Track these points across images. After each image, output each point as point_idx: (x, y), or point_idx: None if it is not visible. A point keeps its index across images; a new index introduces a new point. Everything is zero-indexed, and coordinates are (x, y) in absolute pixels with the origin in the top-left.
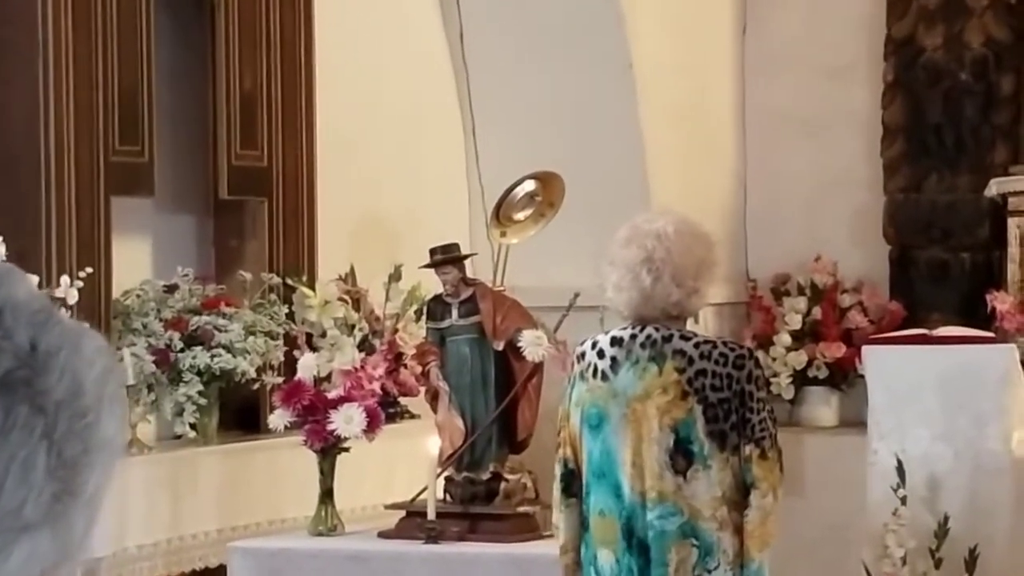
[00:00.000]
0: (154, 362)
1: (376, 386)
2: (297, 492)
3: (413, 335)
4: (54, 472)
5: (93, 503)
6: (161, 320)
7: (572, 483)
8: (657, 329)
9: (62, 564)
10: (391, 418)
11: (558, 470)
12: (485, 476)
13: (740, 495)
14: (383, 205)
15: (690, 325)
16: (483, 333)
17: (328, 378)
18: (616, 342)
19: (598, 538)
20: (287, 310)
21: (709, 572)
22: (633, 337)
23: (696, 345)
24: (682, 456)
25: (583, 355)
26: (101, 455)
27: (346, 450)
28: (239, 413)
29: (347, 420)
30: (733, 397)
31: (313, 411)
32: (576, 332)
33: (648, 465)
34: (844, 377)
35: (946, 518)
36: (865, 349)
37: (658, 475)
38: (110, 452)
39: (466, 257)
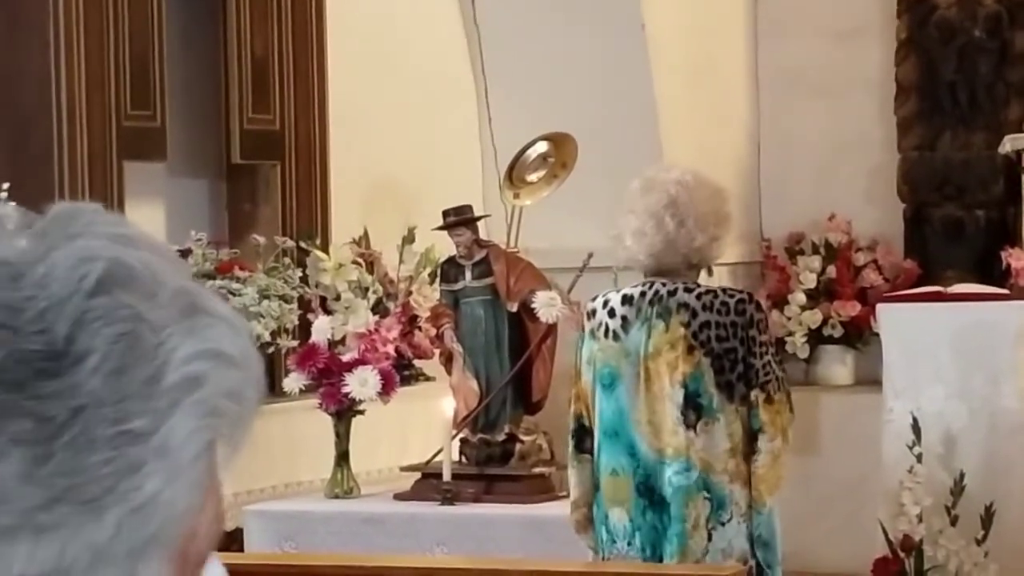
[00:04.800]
0: None
1: (390, 349)
2: (313, 455)
3: (427, 297)
4: (45, 480)
5: (150, 509)
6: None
7: (584, 439)
8: (664, 284)
9: (91, 570)
10: (406, 380)
11: (571, 426)
12: (500, 437)
13: (750, 445)
14: (396, 168)
15: (703, 280)
16: (497, 295)
17: (342, 341)
18: (627, 300)
19: (610, 497)
20: (301, 274)
21: (723, 524)
22: (643, 295)
23: (699, 296)
24: (692, 410)
25: (594, 312)
26: (160, 463)
27: (361, 413)
28: None
29: (362, 383)
30: (739, 345)
31: (328, 374)
32: (590, 293)
33: (663, 422)
34: (859, 335)
35: (962, 475)
36: (880, 307)
37: (672, 431)
38: (172, 460)
39: (479, 219)
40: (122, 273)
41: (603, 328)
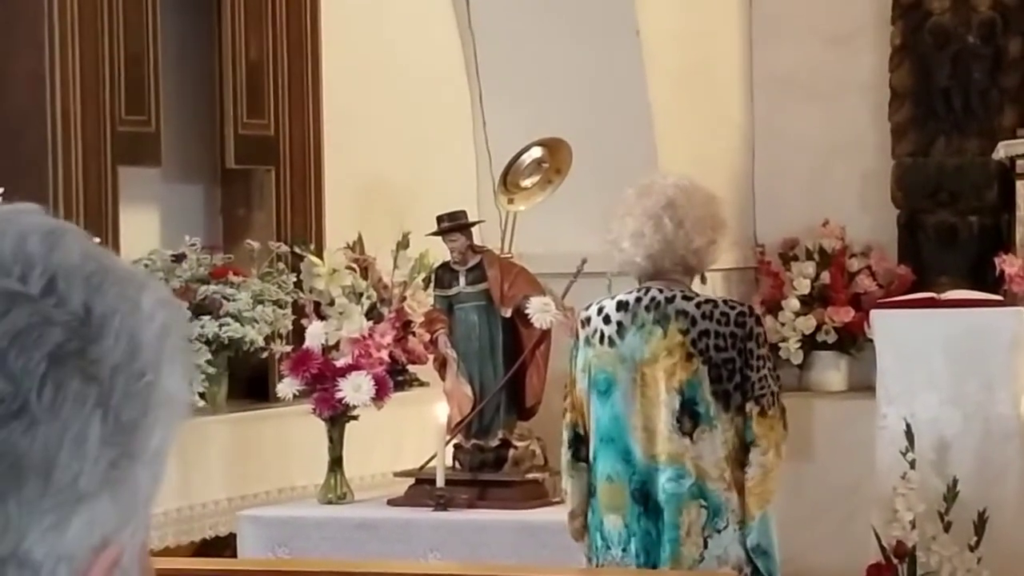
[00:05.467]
0: None
1: (384, 354)
2: (306, 460)
3: (421, 303)
4: (111, 439)
5: (157, 459)
6: (169, 290)
7: (580, 448)
8: (661, 291)
9: (127, 524)
10: (399, 386)
11: (566, 435)
12: (494, 443)
13: (745, 455)
14: (390, 173)
15: (697, 288)
16: (491, 300)
17: (336, 346)
18: (622, 306)
19: (605, 503)
20: (295, 279)
21: (718, 532)
22: (638, 301)
23: (698, 305)
24: (688, 417)
25: (588, 320)
26: (164, 412)
27: (355, 418)
28: (248, 382)
29: (355, 388)
30: (737, 356)
31: (322, 379)
32: (584, 298)
33: (658, 428)
34: (853, 341)
35: (955, 482)
36: (874, 313)
37: (667, 438)
38: (173, 407)
39: (473, 224)
40: (82, 240)
41: (598, 335)
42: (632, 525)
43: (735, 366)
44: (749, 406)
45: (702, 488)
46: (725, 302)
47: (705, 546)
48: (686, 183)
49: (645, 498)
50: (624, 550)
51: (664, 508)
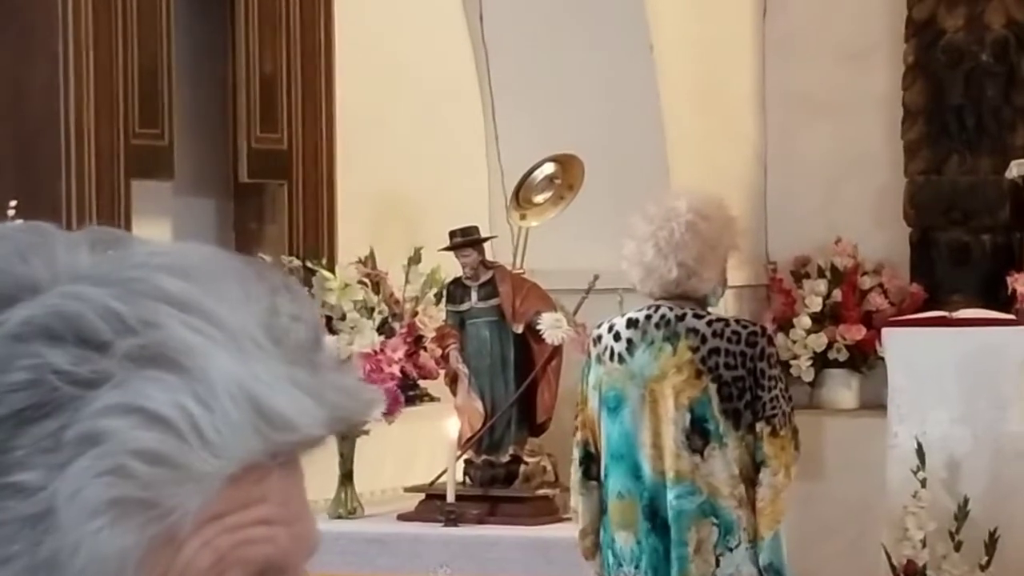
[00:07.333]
0: None
1: (396, 369)
2: (317, 475)
3: (433, 318)
4: None
5: (47, 568)
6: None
7: (591, 466)
8: (671, 309)
9: None
10: (411, 401)
11: (577, 453)
12: (504, 459)
13: (756, 473)
14: (403, 188)
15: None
16: (502, 316)
17: (348, 361)
18: (632, 324)
19: (616, 520)
20: (307, 293)
21: (730, 550)
22: (648, 318)
23: (709, 323)
24: (698, 435)
25: (599, 338)
26: (51, 519)
27: (366, 433)
28: None
29: None
30: (747, 375)
31: None
32: (595, 315)
33: (666, 445)
34: (864, 359)
35: (966, 500)
36: (885, 331)
37: (676, 455)
38: (63, 517)
39: (485, 240)
40: (57, 324)
41: (608, 352)
42: (643, 542)
43: (745, 384)
44: (760, 426)
45: (714, 506)
46: (737, 321)
47: (717, 564)
48: (692, 216)
49: (654, 515)
50: (636, 567)
51: (672, 525)
